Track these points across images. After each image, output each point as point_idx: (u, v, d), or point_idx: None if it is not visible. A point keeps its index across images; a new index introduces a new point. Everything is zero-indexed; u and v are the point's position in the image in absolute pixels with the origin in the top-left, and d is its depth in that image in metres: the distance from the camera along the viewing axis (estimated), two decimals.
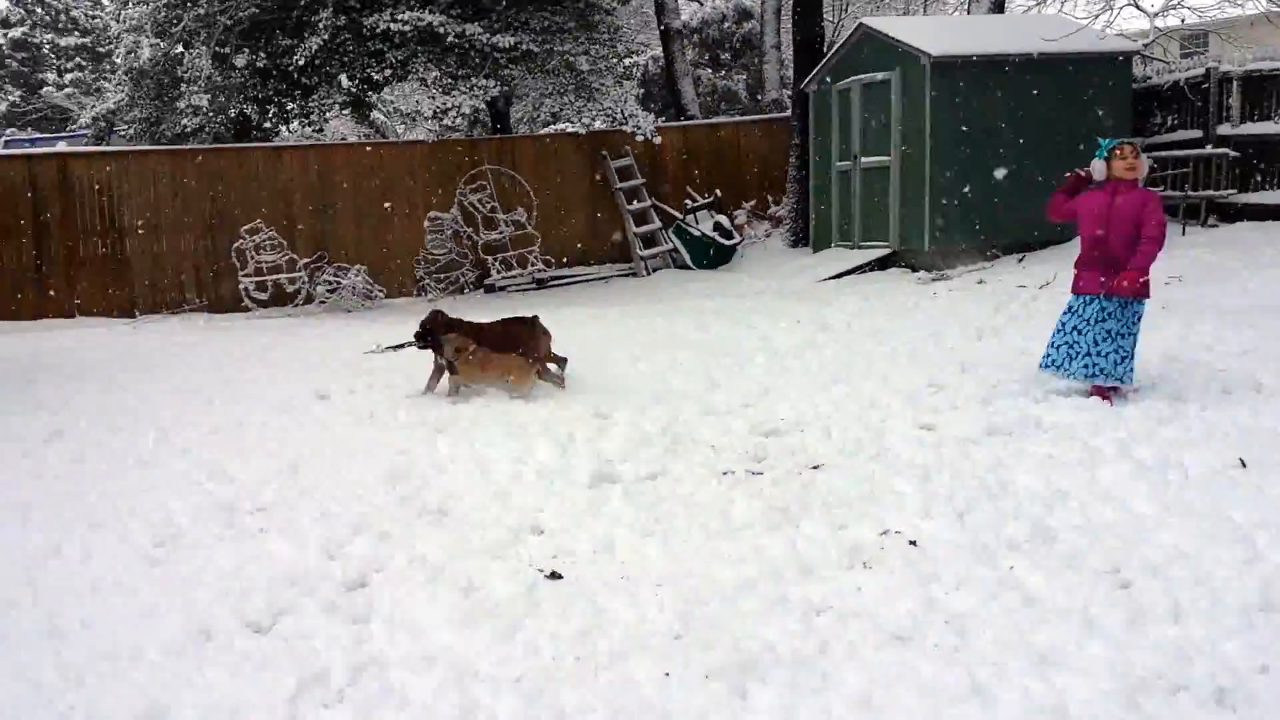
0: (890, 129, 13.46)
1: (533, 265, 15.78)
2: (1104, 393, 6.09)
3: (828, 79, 14.73)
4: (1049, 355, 6.33)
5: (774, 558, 4.24)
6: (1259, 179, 14.03)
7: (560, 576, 4.22)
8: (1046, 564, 3.98)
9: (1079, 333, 6.15)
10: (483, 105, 15.93)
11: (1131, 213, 5.98)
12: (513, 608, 3.92)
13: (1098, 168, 6.16)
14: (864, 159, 14.06)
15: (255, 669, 3.53)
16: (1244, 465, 4.80)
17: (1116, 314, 6.06)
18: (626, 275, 15.91)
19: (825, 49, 16.68)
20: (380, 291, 15.09)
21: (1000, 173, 12.99)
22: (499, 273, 15.67)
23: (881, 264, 13.54)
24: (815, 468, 5.40)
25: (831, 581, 4.01)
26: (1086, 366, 6.11)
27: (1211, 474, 4.77)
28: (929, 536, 4.39)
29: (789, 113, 17.06)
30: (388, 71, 14.60)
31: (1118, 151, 6.12)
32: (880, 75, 13.57)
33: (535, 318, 7.81)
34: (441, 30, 13.77)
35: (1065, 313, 6.31)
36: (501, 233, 15.74)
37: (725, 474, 5.38)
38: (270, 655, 3.62)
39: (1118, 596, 3.66)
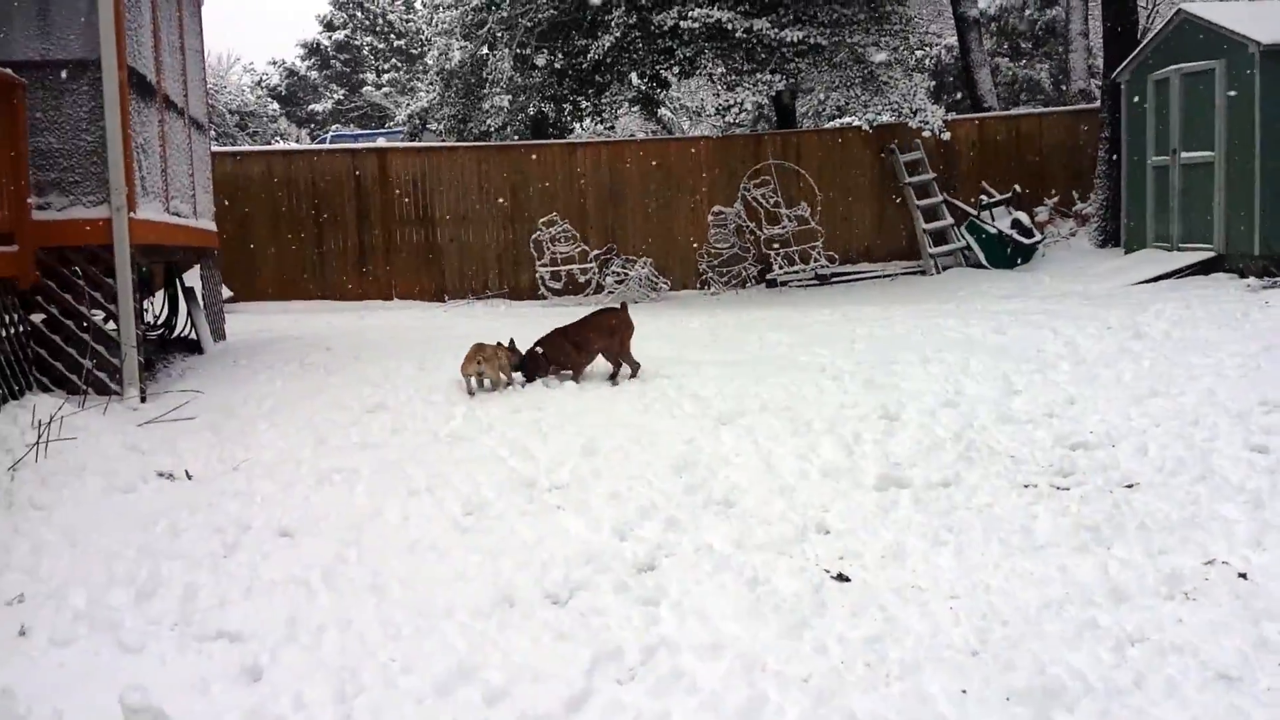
0: (1215, 122, 12.30)
1: (815, 261, 15.64)
2: None
3: (1143, 68, 13.66)
4: None
5: (1082, 580, 3.97)
6: None
7: (848, 579, 4.14)
8: None
9: None
10: (766, 100, 15.91)
11: None
12: (800, 605, 3.88)
13: None
14: (1184, 154, 12.92)
15: (554, 639, 3.69)
16: None
17: None
18: (915, 273, 15.44)
19: (1140, 36, 15.49)
20: (665, 283, 15.46)
21: None
22: (781, 267, 15.64)
23: (1204, 268, 12.40)
24: (1129, 486, 5.00)
25: (1148, 610, 3.71)
26: None
27: None
28: (1261, 569, 3.97)
29: (1097, 104, 15.97)
30: (676, 68, 14.86)
31: None
32: (1203, 64, 12.43)
33: (624, 305, 8.24)
34: (730, 26, 13.87)
35: None
36: (784, 227, 15.70)
37: (1027, 486, 5.08)
38: (568, 627, 3.77)
39: None
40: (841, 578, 4.15)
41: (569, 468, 5.68)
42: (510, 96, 16.57)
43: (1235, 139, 12.09)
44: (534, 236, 15.56)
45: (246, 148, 21.80)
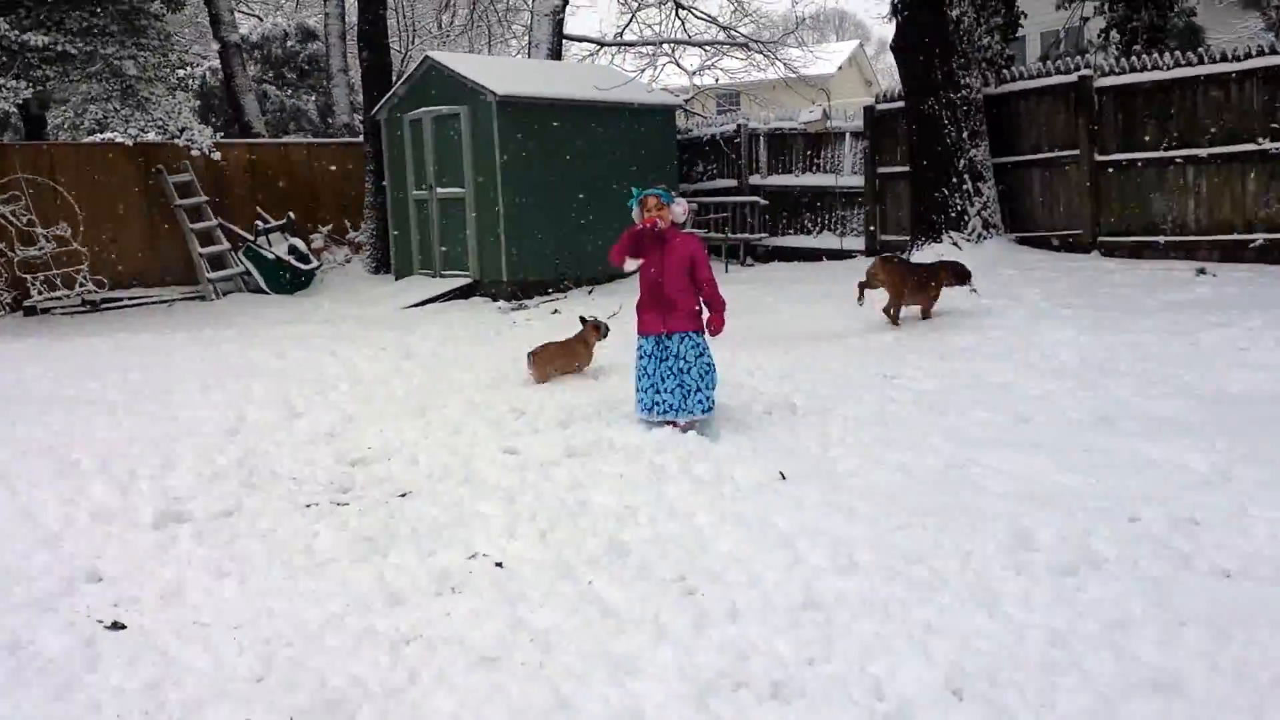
0: (463, 162, 13.75)
1: (82, 286, 14.19)
2: (682, 424, 6.36)
3: (399, 108, 14.73)
4: (639, 401, 6.56)
5: (361, 590, 4.16)
6: (784, 223, 16.03)
7: (124, 626, 3.85)
8: (622, 576, 4.26)
9: (648, 374, 6.44)
10: (14, 109, 14.10)
11: (683, 259, 6.42)
12: (70, 663, 3.52)
13: (636, 214, 6.53)
14: (440, 189, 14.22)
15: None
16: (784, 478, 5.45)
17: (677, 351, 6.40)
18: (195, 299, 14.81)
19: (395, 77, 16.66)
20: None
21: (569, 208, 13.76)
22: (41, 293, 13.92)
23: (464, 293, 13.76)
24: (403, 495, 5.37)
25: (420, 609, 4.01)
26: (659, 405, 6.41)
27: (758, 486, 5.35)
28: (514, 557, 4.52)
29: (362, 138, 16.84)
30: None
31: (645, 201, 6.51)
32: (449, 109, 13.84)
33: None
34: None
35: (638, 356, 6.56)
36: (42, 249, 14.01)
37: (309, 506, 5.19)
38: None
39: (684, 603, 4.00)
40: (117, 626, 3.85)
41: None
42: None
43: (480, 177, 13.64)
44: None
45: None
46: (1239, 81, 11.20)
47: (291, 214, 15.80)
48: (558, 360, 8.10)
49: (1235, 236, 11.27)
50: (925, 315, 9.42)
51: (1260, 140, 11.00)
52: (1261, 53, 11.14)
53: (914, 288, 9.31)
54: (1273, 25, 16.39)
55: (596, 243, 13.47)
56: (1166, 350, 7.45)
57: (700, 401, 6.40)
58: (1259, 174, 11.10)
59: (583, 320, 8.38)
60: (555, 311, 11.91)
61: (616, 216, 13.69)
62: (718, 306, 6.51)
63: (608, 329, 8.35)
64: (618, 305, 11.47)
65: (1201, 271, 10.47)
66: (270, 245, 15.13)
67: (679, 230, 6.56)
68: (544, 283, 13.65)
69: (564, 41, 18.78)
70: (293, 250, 15.19)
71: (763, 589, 4.07)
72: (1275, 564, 4.00)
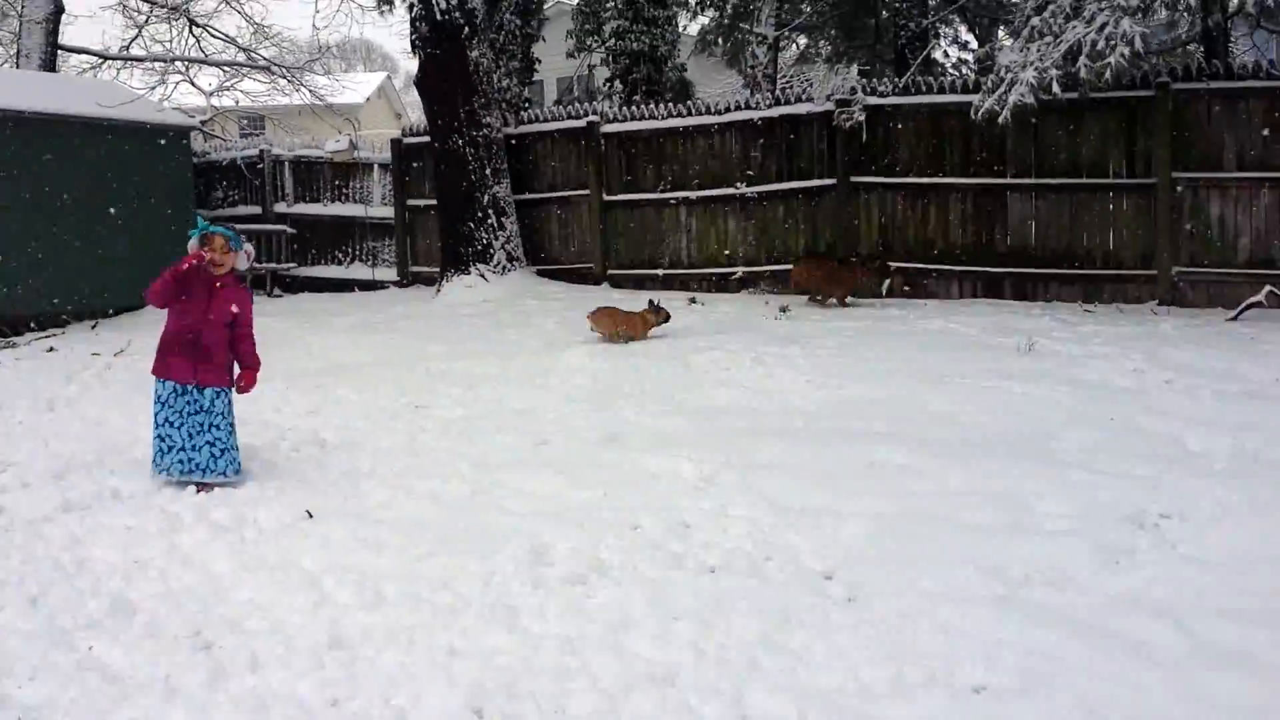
0: None
1: None
2: (206, 486, 5.85)
3: None
4: (158, 455, 5.93)
5: None
6: (314, 253, 15.68)
7: None
8: (127, 637, 3.95)
9: (172, 425, 5.88)
10: None
11: (229, 312, 5.98)
12: None
13: (193, 244, 5.95)
14: None
15: None
16: (311, 516, 5.33)
17: (209, 406, 5.92)
18: None
19: None
20: None
21: (68, 235, 12.38)
22: None
23: None
24: None
25: None
26: (183, 463, 5.87)
27: (283, 527, 5.19)
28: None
29: None
30: None
31: (209, 239, 5.93)
32: None
33: None
34: None
35: (157, 404, 5.96)
36: None
37: None
38: None
39: (199, 659, 3.78)
40: None
41: None
42: None
43: None
44: None
45: None
46: (720, 132, 12.78)
47: None
48: (621, 324, 9.60)
49: (721, 270, 12.82)
50: (841, 302, 11.17)
51: (738, 185, 12.63)
52: (739, 107, 12.81)
53: (827, 277, 11.20)
54: (749, 83, 18.87)
55: (103, 273, 12.31)
56: (664, 372, 8.29)
57: (231, 461, 5.96)
58: (737, 215, 12.73)
59: (650, 303, 9.88)
60: (52, 349, 10.64)
61: (128, 244, 12.61)
62: (253, 364, 6.18)
63: (668, 315, 9.81)
64: (125, 341, 10.51)
65: (694, 300, 11.77)
66: None
67: (233, 278, 6.11)
68: (39, 317, 12.12)
69: (60, 53, 16.91)
70: None
71: (286, 634, 3.98)
72: (749, 558, 4.62)
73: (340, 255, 15.52)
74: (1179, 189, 10.52)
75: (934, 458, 5.79)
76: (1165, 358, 7.93)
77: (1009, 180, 11.29)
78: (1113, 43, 9.21)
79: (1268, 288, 9.70)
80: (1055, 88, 9.59)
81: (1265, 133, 10.16)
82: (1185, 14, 12.19)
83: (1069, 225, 11.06)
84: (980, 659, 3.59)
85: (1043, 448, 5.98)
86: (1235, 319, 9.61)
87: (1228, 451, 5.74)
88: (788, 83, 20.61)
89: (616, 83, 17.50)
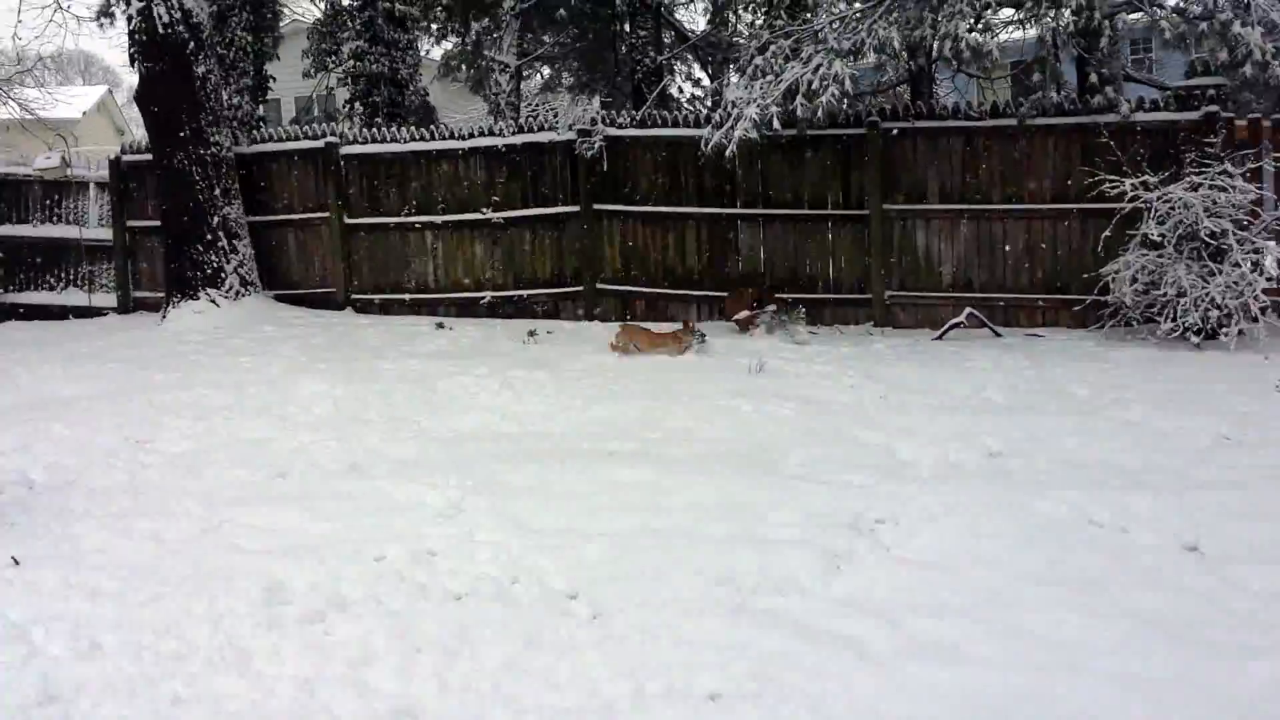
0: None
1: None
2: None
3: None
4: None
5: None
6: (23, 278, 14.36)
7: None
8: None
9: None
10: None
11: None
12: None
13: None
14: None
15: None
16: (17, 563, 4.88)
17: None
18: None
19: None
20: None
21: None
22: None
23: None
24: None
25: None
26: None
27: None
28: None
29: None
30: None
31: None
32: None
33: None
34: None
35: None
36: None
37: None
38: None
39: None
40: None
41: None
42: None
43: None
44: None
45: None
46: (465, 158, 12.74)
47: None
48: (655, 340, 9.82)
49: (468, 294, 12.77)
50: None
51: (484, 210, 12.63)
52: (483, 134, 12.83)
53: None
54: (493, 110, 18.88)
55: None
56: (410, 398, 8.16)
57: None
58: (484, 240, 12.73)
59: (684, 323, 10.18)
60: None
61: None
62: None
63: (703, 336, 9.79)
64: None
65: (440, 326, 11.66)
66: None
67: None
68: None
69: None
70: None
71: None
72: (496, 583, 4.63)
73: (53, 280, 14.28)
74: (889, 219, 11.45)
75: (674, 474, 6.01)
76: (880, 375, 8.62)
77: (739, 210, 11.90)
78: (826, 83, 9.93)
79: (968, 309, 10.75)
80: (776, 124, 10.22)
81: (962, 168, 11.26)
82: (893, 58, 13.35)
83: (794, 252, 11.80)
84: (715, 667, 3.77)
85: (772, 461, 6.35)
86: (940, 338, 10.57)
87: (933, 460, 6.31)
88: (533, 111, 20.83)
89: (357, 104, 17.08)
